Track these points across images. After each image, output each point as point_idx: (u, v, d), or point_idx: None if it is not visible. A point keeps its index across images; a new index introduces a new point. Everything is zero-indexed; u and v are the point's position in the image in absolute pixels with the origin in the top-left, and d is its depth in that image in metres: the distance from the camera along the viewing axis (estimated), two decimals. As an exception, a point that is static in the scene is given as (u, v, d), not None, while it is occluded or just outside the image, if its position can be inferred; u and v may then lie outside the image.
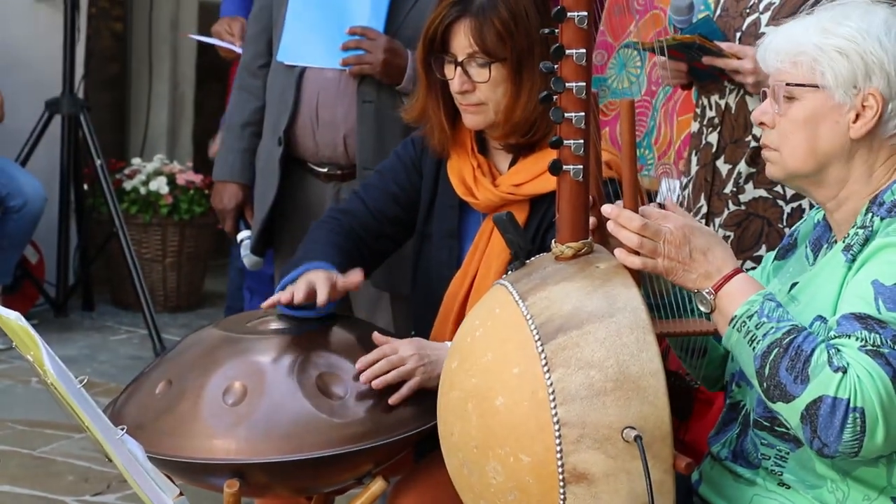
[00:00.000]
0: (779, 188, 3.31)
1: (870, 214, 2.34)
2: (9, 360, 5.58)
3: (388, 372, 2.71)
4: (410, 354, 2.74)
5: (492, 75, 2.90)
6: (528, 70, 2.89)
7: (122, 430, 2.30)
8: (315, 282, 2.82)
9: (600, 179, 2.45)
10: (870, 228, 2.32)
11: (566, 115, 2.31)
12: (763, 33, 3.26)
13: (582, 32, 2.29)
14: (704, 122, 3.46)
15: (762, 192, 3.33)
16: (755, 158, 3.31)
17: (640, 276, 2.35)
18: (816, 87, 2.35)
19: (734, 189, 3.36)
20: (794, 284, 2.46)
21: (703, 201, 3.43)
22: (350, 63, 3.61)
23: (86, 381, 2.29)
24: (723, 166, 3.39)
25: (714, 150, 3.41)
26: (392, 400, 2.69)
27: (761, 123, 2.43)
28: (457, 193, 3.04)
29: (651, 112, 4.32)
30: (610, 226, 2.34)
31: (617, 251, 2.33)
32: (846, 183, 2.39)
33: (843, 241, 2.36)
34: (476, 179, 3.01)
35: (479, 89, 2.93)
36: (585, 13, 2.28)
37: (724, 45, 3.27)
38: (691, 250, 2.32)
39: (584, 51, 2.29)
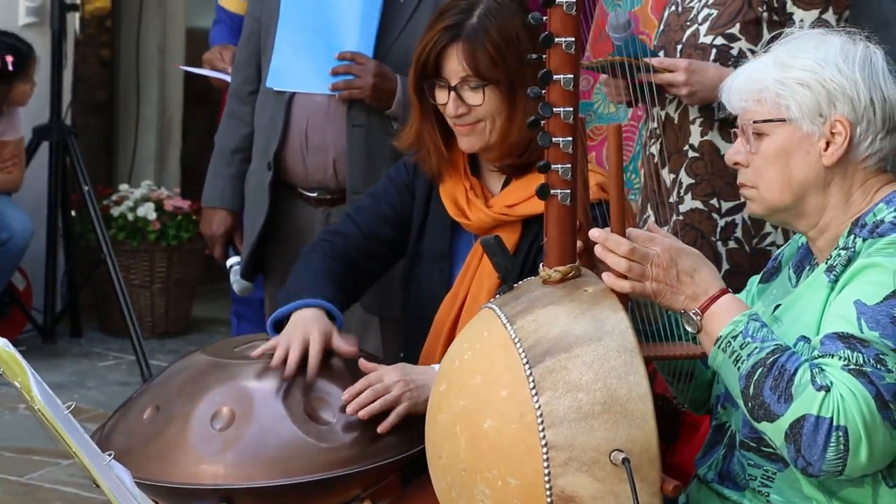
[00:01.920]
0: (714, 201, 3.34)
1: (852, 236, 2.36)
2: (-4, 387, 5.57)
3: (373, 401, 2.71)
4: (395, 381, 2.73)
5: (486, 98, 2.91)
6: (521, 92, 2.88)
7: (110, 455, 2.30)
8: (308, 339, 2.77)
9: (588, 203, 2.46)
10: (852, 249, 2.34)
11: (554, 139, 2.32)
12: (703, 43, 3.30)
13: (569, 58, 2.30)
14: (647, 133, 3.48)
15: (699, 204, 3.36)
16: (694, 169, 3.33)
17: (627, 301, 2.36)
18: (783, 120, 2.38)
19: (677, 199, 3.39)
20: (777, 306, 2.47)
21: (649, 211, 3.45)
22: (340, 88, 3.62)
23: (73, 407, 2.29)
24: (667, 176, 3.41)
25: (657, 159, 3.43)
26: (380, 428, 2.69)
27: (735, 163, 2.46)
28: (449, 214, 3.04)
29: (637, 136, 4.32)
30: (598, 250, 2.35)
31: (605, 275, 2.34)
32: (825, 210, 2.41)
33: (826, 263, 2.38)
34: (469, 201, 3.01)
35: (474, 110, 2.94)
36: (573, 39, 2.29)
37: (654, 61, 3.29)
38: (678, 272, 2.34)
39: (571, 76, 2.30)
